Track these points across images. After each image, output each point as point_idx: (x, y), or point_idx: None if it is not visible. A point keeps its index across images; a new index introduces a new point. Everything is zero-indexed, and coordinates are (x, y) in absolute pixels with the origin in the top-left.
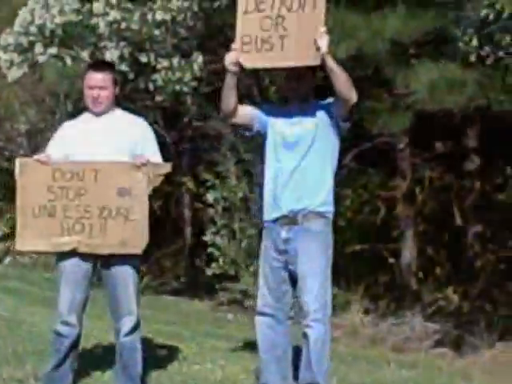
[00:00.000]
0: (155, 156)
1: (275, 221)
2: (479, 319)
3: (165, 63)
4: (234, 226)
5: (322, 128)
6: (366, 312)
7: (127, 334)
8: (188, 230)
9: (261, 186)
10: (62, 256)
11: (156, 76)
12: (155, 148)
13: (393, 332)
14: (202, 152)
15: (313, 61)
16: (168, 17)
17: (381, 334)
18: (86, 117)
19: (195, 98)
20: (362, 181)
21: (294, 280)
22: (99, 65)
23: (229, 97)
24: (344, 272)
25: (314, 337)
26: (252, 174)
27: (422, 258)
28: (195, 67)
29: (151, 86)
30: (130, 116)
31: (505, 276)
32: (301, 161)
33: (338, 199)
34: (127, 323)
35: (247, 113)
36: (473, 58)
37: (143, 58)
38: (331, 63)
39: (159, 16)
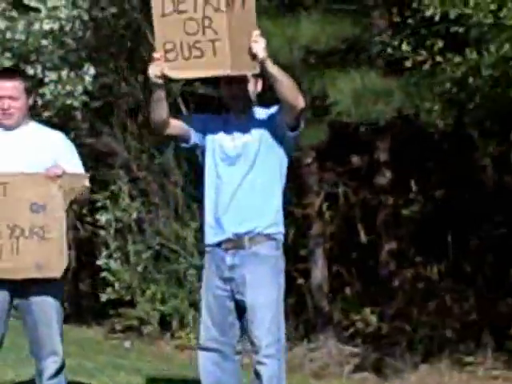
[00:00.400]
0: (74, 167)
1: (218, 245)
2: (400, 341)
3: (53, 76)
4: (127, 248)
5: (267, 139)
6: None
7: (51, 377)
8: (71, 253)
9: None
10: None
11: (44, 90)
12: (75, 160)
13: (308, 357)
14: (88, 170)
15: (251, 69)
16: (56, 26)
17: (296, 359)
18: None
19: (85, 113)
20: None
21: (241, 310)
22: (9, 72)
23: (159, 109)
24: None
25: (268, 374)
26: (148, 194)
27: (333, 278)
28: (87, 79)
29: (39, 101)
30: (46, 129)
31: (424, 295)
32: (244, 177)
33: None
34: (51, 365)
35: (181, 124)
36: (408, 64)
37: (30, 71)
38: (272, 69)
39: (47, 25)
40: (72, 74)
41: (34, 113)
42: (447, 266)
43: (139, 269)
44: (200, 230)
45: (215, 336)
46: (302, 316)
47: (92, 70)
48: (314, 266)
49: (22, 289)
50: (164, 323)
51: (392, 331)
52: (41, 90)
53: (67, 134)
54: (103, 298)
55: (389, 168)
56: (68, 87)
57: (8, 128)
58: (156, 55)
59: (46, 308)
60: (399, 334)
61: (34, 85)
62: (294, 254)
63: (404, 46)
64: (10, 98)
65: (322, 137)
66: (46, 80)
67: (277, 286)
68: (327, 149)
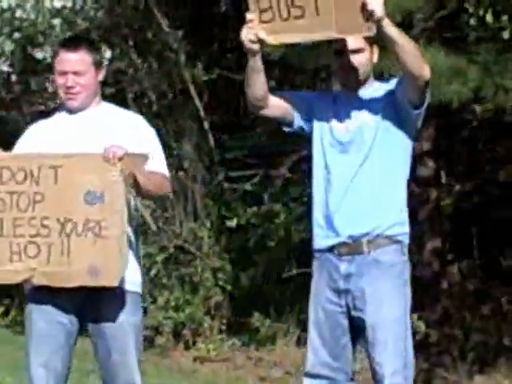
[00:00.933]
0: (155, 162)
1: (330, 249)
2: (450, 349)
3: None
4: None
5: (387, 121)
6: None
7: None
8: None
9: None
10: (33, 300)
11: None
12: (156, 152)
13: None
14: None
15: (365, 30)
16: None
17: None
18: (59, 115)
19: None
20: (295, 193)
21: (356, 329)
22: (74, 42)
23: (254, 83)
24: (273, 299)
25: None
26: None
27: None
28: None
29: (50, 87)
30: (122, 112)
31: (477, 297)
32: (360, 167)
33: (268, 216)
34: None
35: (282, 103)
36: (506, 35)
37: (39, 54)
38: (391, 31)
39: (58, 3)
40: None
41: (43, 102)
42: (497, 266)
43: (152, 273)
44: (216, 230)
45: (326, 360)
46: None
47: (108, 53)
48: None
49: (89, 306)
50: (177, 333)
51: (441, 338)
52: (51, 76)
53: None
54: None
55: (432, 158)
56: None
57: (73, 110)
58: (249, 16)
59: (120, 330)
60: (450, 341)
61: (45, 70)
62: None
63: (488, 17)
64: (75, 73)
65: None
66: None
67: (403, 299)
68: None
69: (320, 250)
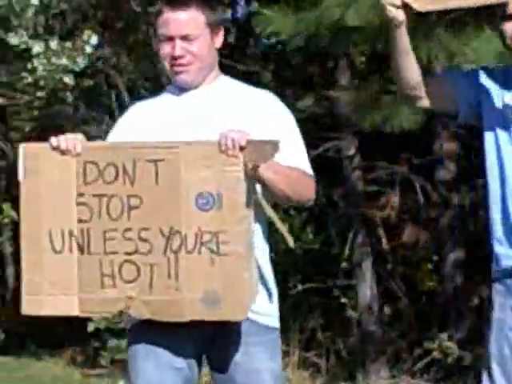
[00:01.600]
0: (293, 150)
1: None
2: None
3: (38, 47)
4: None
5: None
6: (305, 366)
7: None
8: (10, 271)
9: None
10: (139, 339)
11: (35, 63)
12: (295, 141)
13: None
14: None
15: None
16: None
17: None
18: (166, 94)
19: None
20: None
21: None
22: None
23: (405, 67)
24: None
25: None
26: None
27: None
28: (87, 50)
29: (30, 78)
30: (248, 88)
31: None
32: None
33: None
34: None
35: (442, 90)
36: None
37: (14, 40)
38: None
39: None
40: (68, 44)
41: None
42: None
43: None
44: None
45: None
46: (348, 343)
47: (95, 39)
48: (359, 282)
49: (215, 347)
50: None
51: (476, 361)
52: (29, 64)
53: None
54: (90, 327)
55: (453, 160)
56: (64, 60)
57: (183, 87)
58: None
59: (256, 379)
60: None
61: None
62: (335, 266)
63: None
64: (184, 38)
65: (419, 119)
66: (34, 51)
67: None
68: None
69: (504, 271)
